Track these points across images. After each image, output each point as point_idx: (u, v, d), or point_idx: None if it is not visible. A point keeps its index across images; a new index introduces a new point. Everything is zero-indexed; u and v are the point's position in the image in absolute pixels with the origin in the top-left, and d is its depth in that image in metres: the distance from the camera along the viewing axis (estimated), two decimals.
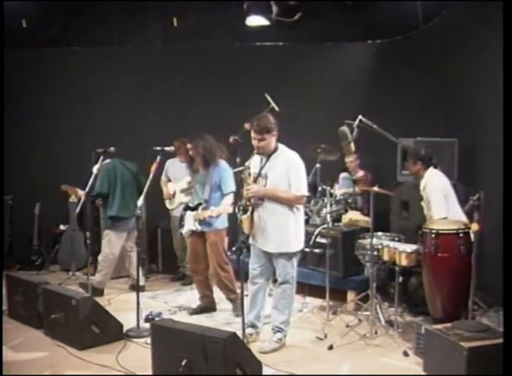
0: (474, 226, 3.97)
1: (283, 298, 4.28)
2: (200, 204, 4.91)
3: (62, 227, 7.05)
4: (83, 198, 5.46)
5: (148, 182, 4.81)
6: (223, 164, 4.98)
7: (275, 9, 6.60)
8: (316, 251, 5.39)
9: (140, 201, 4.75)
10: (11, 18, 6.44)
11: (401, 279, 4.69)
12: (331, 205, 5.45)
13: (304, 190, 4.20)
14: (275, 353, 4.17)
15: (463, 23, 5.64)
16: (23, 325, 4.76)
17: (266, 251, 4.25)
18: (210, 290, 5.20)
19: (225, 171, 4.94)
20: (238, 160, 5.87)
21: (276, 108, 5.88)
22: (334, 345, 4.23)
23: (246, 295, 4.31)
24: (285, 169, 4.15)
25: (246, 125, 5.38)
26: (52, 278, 6.26)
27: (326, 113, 6.69)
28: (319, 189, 5.76)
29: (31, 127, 7.15)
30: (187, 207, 5.04)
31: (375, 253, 4.58)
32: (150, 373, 3.62)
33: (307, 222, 5.42)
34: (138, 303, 4.60)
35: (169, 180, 6.31)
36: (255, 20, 6.71)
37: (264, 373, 3.60)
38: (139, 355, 4.10)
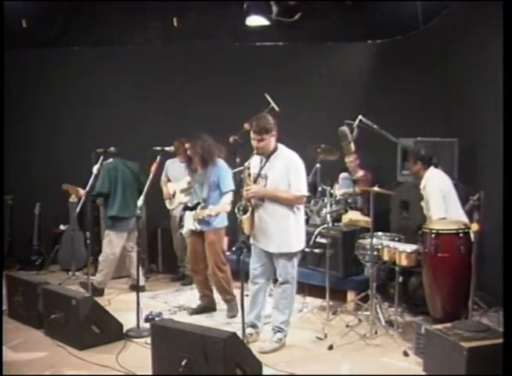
0: (474, 226, 3.97)
1: (284, 298, 4.28)
2: (198, 203, 4.92)
3: (62, 227, 7.05)
4: (83, 198, 5.46)
5: (148, 182, 4.82)
6: (221, 163, 4.98)
7: (275, 9, 6.60)
8: (316, 251, 5.39)
9: (140, 201, 4.75)
10: (11, 18, 6.44)
11: (401, 279, 4.69)
12: (331, 205, 5.45)
13: (304, 190, 4.20)
14: (275, 353, 4.17)
15: (463, 23, 5.64)
16: (23, 325, 4.76)
17: (267, 250, 4.25)
18: (210, 290, 5.20)
19: (223, 170, 4.95)
20: (238, 160, 5.87)
21: (276, 108, 5.88)
22: (334, 345, 4.22)
23: (247, 295, 4.31)
24: (285, 169, 4.15)
25: (246, 125, 5.39)
26: (52, 278, 6.26)
27: (326, 113, 6.69)
28: (319, 189, 5.76)
29: (31, 127, 7.16)
30: (186, 208, 5.05)
31: (375, 253, 4.58)
32: (150, 373, 3.62)
33: (307, 222, 5.41)
34: (138, 303, 4.59)
35: (169, 180, 6.31)
36: (255, 20, 6.71)
37: (264, 373, 3.60)
38: (139, 355, 4.10)
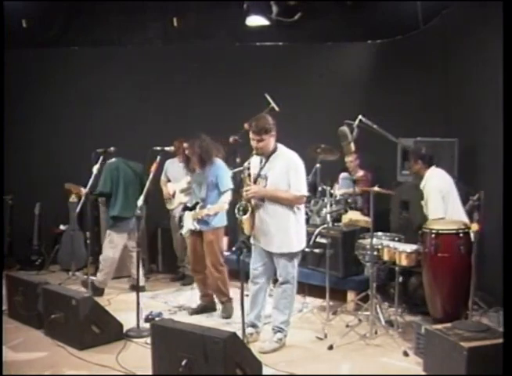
0: (474, 226, 3.97)
1: (284, 298, 4.28)
2: (197, 203, 4.92)
3: (62, 227, 7.05)
4: (83, 198, 5.46)
5: (148, 183, 4.82)
6: (219, 162, 4.98)
7: (275, 9, 6.60)
8: (316, 251, 5.38)
9: (140, 201, 4.75)
10: (11, 18, 6.44)
11: (401, 279, 4.69)
12: (331, 205, 5.45)
13: (303, 190, 4.20)
14: (275, 353, 4.17)
15: (463, 23, 5.64)
16: (23, 325, 4.76)
17: (268, 250, 4.25)
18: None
19: (221, 170, 4.95)
20: (238, 160, 5.87)
21: (276, 108, 5.88)
22: (334, 345, 4.22)
23: (247, 295, 4.31)
24: (284, 169, 4.15)
25: (246, 125, 5.39)
26: (52, 278, 6.26)
27: (326, 113, 6.69)
28: (319, 189, 5.76)
29: (31, 127, 7.15)
30: (185, 208, 5.05)
31: (375, 253, 4.58)
32: (150, 373, 3.62)
33: (307, 222, 5.41)
34: (138, 303, 4.59)
35: (169, 180, 6.31)
36: (255, 20, 6.71)
37: (264, 373, 3.60)
38: (139, 355, 4.10)
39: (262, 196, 4.18)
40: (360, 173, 6.34)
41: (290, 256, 4.21)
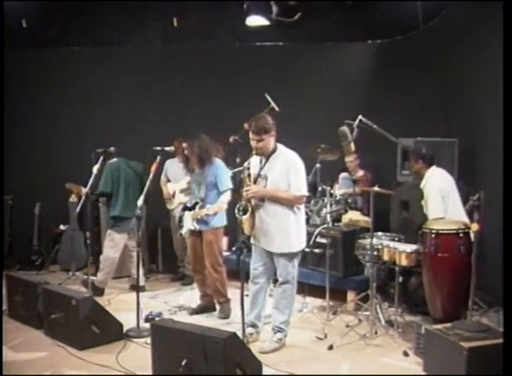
0: (474, 226, 3.97)
1: (284, 297, 4.28)
2: (196, 203, 4.92)
3: (62, 227, 7.05)
4: (83, 198, 5.46)
5: (148, 183, 4.82)
6: (218, 162, 4.98)
7: (275, 9, 6.60)
8: (316, 251, 5.38)
9: (140, 201, 4.75)
10: (11, 18, 6.44)
11: (401, 279, 4.69)
12: (331, 205, 5.44)
13: (303, 190, 4.19)
14: (275, 353, 4.17)
15: (463, 23, 5.64)
16: (23, 325, 4.76)
17: (268, 250, 4.25)
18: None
19: (220, 169, 4.95)
20: (238, 160, 5.87)
21: (276, 108, 5.88)
22: (334, 345, 4.22)
23: (247, 295, 4.31)
24: (284, 169, 4.15)
25: (246, 125, 5.39)
26: (52, 278, 6.25)
27: (326, 113, 6.69)
28: (319, 189, 5.76)
29: (31, 127, 7.16)
30: (185, 208, 5.05)
31: (375, 253, 4.58)
32: (150, 373, 3.62)
33: (307, 222, 5.41)
34: (138, 303, 4.59)
35: (168, 180, 6.31)
36: (255, 20, 6.71)
37: (264, 373, 3.60)
38: (139, 355, 4.10)
39: (262, 196, 4.18)
40: (360, 173, 6.34)
41: (290, 256, 4.21)
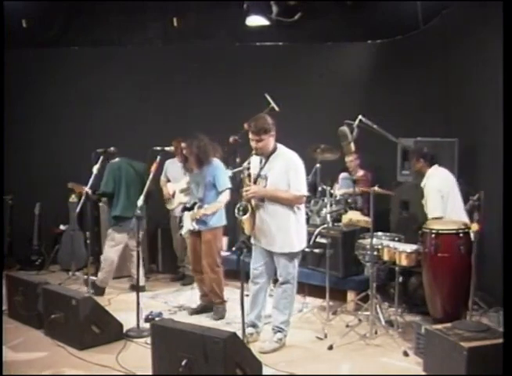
0: (474, 226, 3.97)
1: (284, 298, 4.28)
2: (195, 203, 4.92)
3: (62, 227, 7.04)
4: (83, 198, 5.46)
5: (148, 183, 4.82)
6: (216, 162, 4.98)
7: (275, 9, 6.60)
8: (316, 251, 5.38)
9: (140, 201, 4.75)
10: (11, 18, 6.45)
11: (401, 279, 4.69)
12: (331, 205, 5.45)
13: (303, 190, 4.19)
14: (275, 353, 4.17)
15: (463, 23, 5.64)
16: (23, 325, 4.76)
17: (269, 250, 4.25)
18: None
19: (218, 169, 4.94)
20: (238, 160, 5.87)
21: (276, 108, 5.88)
22: (334, 345, 4.23)
23: (247, 295, 4.31)
24: (284, 169, 4.15)
25: (246, 125, 5.39)
26: (52, 278, 6.26)
27: (326, 113, 6.69)
28: (319, 189, 5.76)
29: (31, 127, 7.16)
30: (185, 208, 5.05)
31: (375, 253, 4.58)
32: (150, 373, 3.62)
33: (307, 222, 5.41)
34: (138, 303, 4.59)
35: (168, 180, 6.31)
36: (255, 20, 6.71)
37: (264, 373, 3.60)
38: (139, 355, 4.10)
39: (262, 196, 4.18)
40: (360, 173, 6.35)
41: (290, 256, 4.21)
